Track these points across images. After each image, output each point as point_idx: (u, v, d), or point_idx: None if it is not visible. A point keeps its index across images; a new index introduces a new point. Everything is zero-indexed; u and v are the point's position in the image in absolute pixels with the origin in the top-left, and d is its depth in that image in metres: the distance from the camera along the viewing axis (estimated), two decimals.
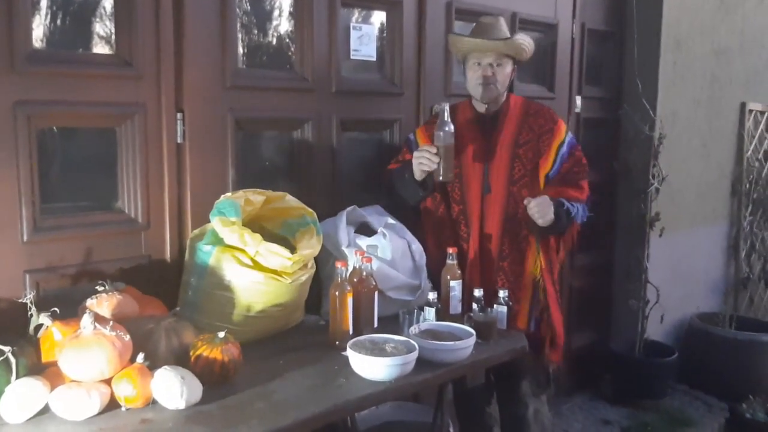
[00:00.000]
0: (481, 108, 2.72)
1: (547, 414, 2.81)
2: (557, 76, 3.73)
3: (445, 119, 2.48)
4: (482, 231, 2.69)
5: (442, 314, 2.38)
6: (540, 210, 2.52)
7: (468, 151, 2.68)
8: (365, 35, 2.89)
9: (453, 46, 2.72)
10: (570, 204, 2.62)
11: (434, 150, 2.47)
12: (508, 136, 2.69)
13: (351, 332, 2.17)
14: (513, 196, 2.66)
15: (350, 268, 2.27)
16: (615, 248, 4.41)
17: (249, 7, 2.58)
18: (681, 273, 4.53)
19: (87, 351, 1.69)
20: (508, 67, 2.66)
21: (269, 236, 2.23)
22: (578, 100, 3.95)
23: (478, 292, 2.41)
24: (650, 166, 4.10)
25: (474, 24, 2.75)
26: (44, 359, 1.81)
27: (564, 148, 2.70)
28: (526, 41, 2.64)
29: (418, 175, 2.55)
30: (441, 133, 2.48)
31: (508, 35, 2.65)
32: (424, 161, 2.48)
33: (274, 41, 2.71)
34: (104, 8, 2.23)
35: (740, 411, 4.03)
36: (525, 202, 2.54)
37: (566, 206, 2.61)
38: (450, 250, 2.48)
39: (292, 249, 2.21)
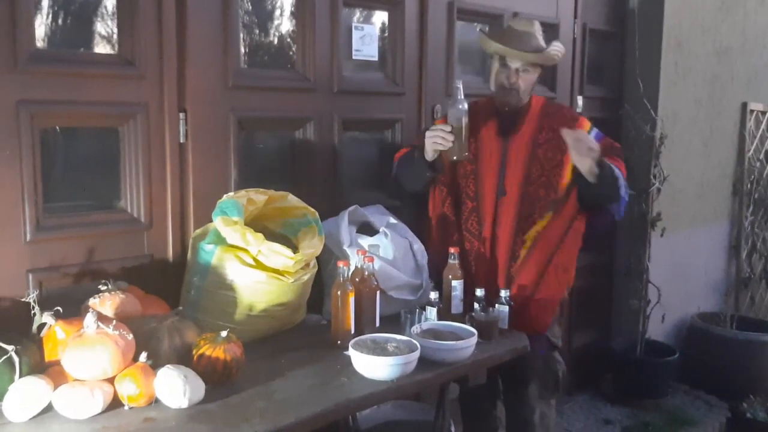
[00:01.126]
0: (503, 107, 2.66)
1: (554, 418, 2.79)
2: (558, 76, 3.73)
3: (459, 97, 2.43)
4: (494, 231, 2.65)
5: (444, 314, 2.38)
6: (578, 142, 2.36)
7: (486, 148, 2.64)
8: (367, 35, 2.90)
9: (481, 43, 2.65)
10: (611, 165, 2.47)
11: (448, 128, 2.42)
12: (527, 136, 2.63)
13: (353, 332, 2.18)
14: (528, 196, 2.61)
15: (352, 268, 2.27)
16: (616, 248, 4.42)
17: (251, 7, 2.59)
18: (682, 273, 4.53)
19: (90, 350, 1.69)
20: (535, 75, 2.62)
21: (271, 236, 2.23)
22: (579, 99, 3.96)
23: (479, 292, 2.41)
24: (651, 166, 4.10)
25: (505, 26, 2.67)
26: (47, 358, 1.81)
27: (592, 134, 2.60)
28: (560, 51, 2.58)
29: (430, 155, 2.49)
30: (454, 110, 2.43)
31: (542, 45, 2.58)
32: (438, 139, 2.42)
33: (276, 41, 2.71)
34: (107, 8, 2.24)
35: (741, 410, 4.04)
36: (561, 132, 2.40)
37: (611, 166, 2.46)
38: (452, 250, 2.48)
39: (294, 248, 2.21)
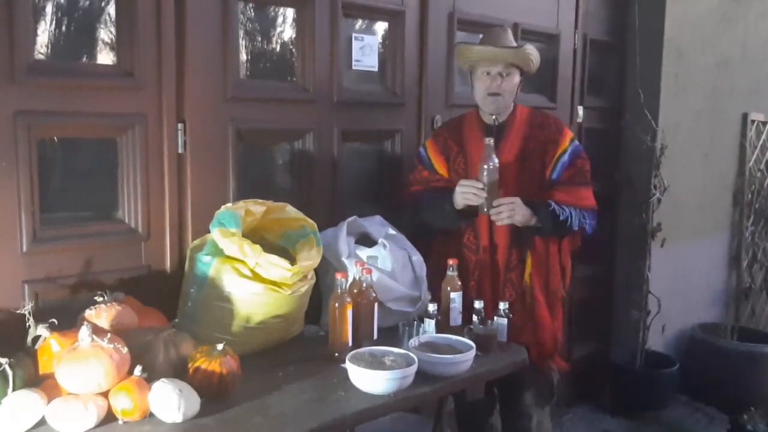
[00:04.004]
0: (489, 119, 2.70)
1: (549, 426, 2.79)
2: (559, 86, 3.73)
3: (491, 154, 2.48)
4: (491, 242, 2.68)
5: (442, 326, 2.37)
6: (507, 208, 2.50)
7: (474, 162, 2.65)
8: (367, 45, 2.89)
9: (461, 55, 2.69)
10: (559, 206, 2.59)
11: (480, 185, 2.48)
12: (515, 147, 2.67)
13: (350, 344, 2.17)
14: None
15: (350, 280, 2.26)
16: (616, 259, 4.40)
17: (250, 18, 2.58)
18: (682, 283, 4.52)
19: (84, 363, 1.68)
20: (516, 78, 2.66)
21: (269, 247, 2.23)
22: (580, 110, 3.95)
23: (478, 304, 2.40)
24: (652, 176, 4.09)
25: (480, 35, 2.75)
26: (42, 371, 1.80)
27: (565, 157, 2.68)
28: (534, 52, 2.65)
29: (460, 206, 2.56)
30: (486, 167, 2.48)
31: (517, 44, 2.66)
32: (470, 196, 2.50)
33: (276, 52, 2.71)
34: (105, 19, 2.23)
35: (741, 423, 4.00)
36: (494, 202, 2.51)
37: (552, 207, 2.58)
38: (450, 262, 2.47)
39: (292, 260, 2.20)
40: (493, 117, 2.68)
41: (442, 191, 2.64)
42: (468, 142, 2.70)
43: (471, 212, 2.58)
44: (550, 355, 2.74)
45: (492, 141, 2.51)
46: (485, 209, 2.51)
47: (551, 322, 2.73)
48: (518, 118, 2.72)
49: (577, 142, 2.74)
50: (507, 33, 2.70)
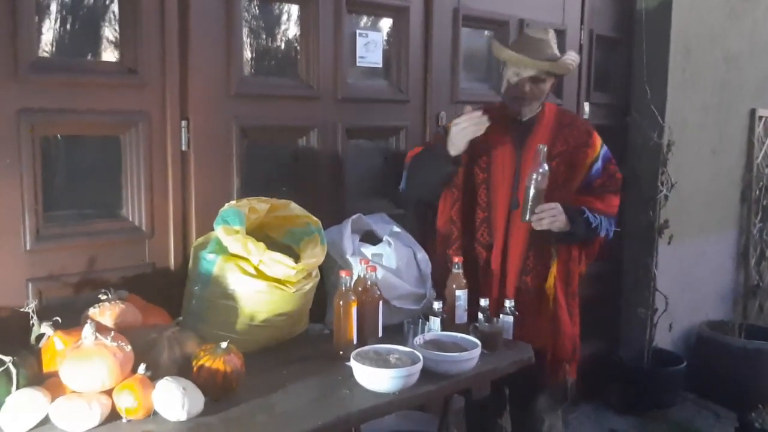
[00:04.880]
0: (513, 115, 2.63)
1: (561, 430, 2.76)
2: (565, 83, 3.69)
3: (542, 161, 2.38)
4: (506, 243, 2.60)
5: (447, 324, 2.35)
6: (549, 215, 2.44)
7: (498, 157, 2.60)
8: (371, 42, 2.88)
9: (496, 54, 2.62)
10: (592, 214, 2.55)
11: (479, 113, 2.36)
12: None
13: (355, 342, 2.16)
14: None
15: (355, 277, 2.25)
16: (623, 256, 4.38)
17: (254, 15, 2.57)
18: (690, 281, 4.49)
19: (88, 362, 1.68)
20: (548, 84, 2.58)
21: (273, 245, 2.22)
22: (586, 106, 3.93)
23: (483, 302, 2.38)
24: (659, 173, 4.07)
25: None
26: (45, 369, 1.80)
27: (598, 163, 2.63)
28: (574, 61, 2.55)
29: (459, 148, 2.42)
30: (535, 174, 2.39)
31: (557, 53, 2.55)
32: (472, 128, 2.35)
33: (280, 49, 2.70)
34: (109, 16, 2.23)
35: (749, 421, 3.98)
36: (537, 209, 2.43)
37: (586, 215, 2.54)
38: (456, 259, 2.45)
39: (297, 258, 2.19)
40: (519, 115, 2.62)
41: (438, 143, 2.53)
42: (493, 135, 2.56)
43: (461, 160, 2.47)
44: (567, 361, 2.68)
45: (545, 147, 2.41)
46: (527, 217, 2.43)
47: (572, 328, 2.68)
48: (546, 116, 2.64)
49: (605, 147, 2.68)
50: (547, 38, 2.57)
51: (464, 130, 2.38)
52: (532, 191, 2.41)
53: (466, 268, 2.45)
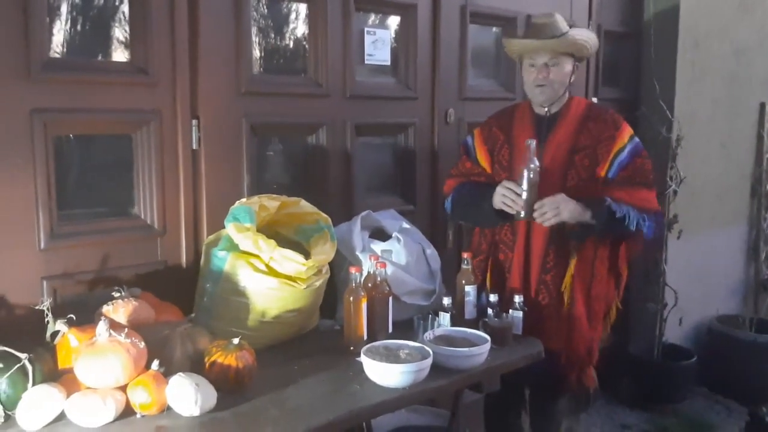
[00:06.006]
0: (541, 110, 2.57)
1: None
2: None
3: (531, 156, 2.37)
4: (528, 240, 2.56)
5: (457, 319, 2.36)
6: (551, 206, 2.35)
7: (520, 155, 2.50)
8: (379, 40, 2.89)
9: (506, 48, 2.60)
10: (616, 204, 2.40)
11: (519, 191, 2.37)
12: (565, 140, 2.52)
13: (365, 338, 2.17)
14: None
15: (365, 273, 2.26)
16: None
17: (263, 14, 2.59)
18: (700, 275, 4.48)
19: (102, 358, 1.70)
20: (567, 66, 2.51)
21: (284, 242, 2.24)
22: (595, 101, 3.92)
23: (493, 297, 2.39)
24: (668, 167, 4.05)
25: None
26: (61, 366, 1.82)
27: (624, 155, 2.49)
28: (583, 36, 2.49)
29: (498, 207, 2.45)
30: (526, 171, 2.37)
31: (563, 31, 2.47)
32: (508, 201, 2.39)
33: (289, 47, 2.71)
34: (119, 16, 2.25)
35: (760, 415, 3.97)
36: (535, 205, 2.38)
37: (608, 202, 2.39)
38: (465, 255, 2.47)
39: (307, 254, 2.21)
40: (545, 108, 2.56)
41: (482, 187, 2.53)
42: (516, 132, 2.56)
43: (509, 214, 2.46)
44: (581, 365, 2.62)
45: (534, 143, 2.37)
46: (522, 215, 2.40)
47: (588, 330, 2.59)
48: (573, 110, 2.56)
49: (637, 139, 2.55)
50: (553, 20, 2.49)
51: (503, 200, 2.42)
52: (524, 188, 2.38)
53: (493, 269, 2.45)
